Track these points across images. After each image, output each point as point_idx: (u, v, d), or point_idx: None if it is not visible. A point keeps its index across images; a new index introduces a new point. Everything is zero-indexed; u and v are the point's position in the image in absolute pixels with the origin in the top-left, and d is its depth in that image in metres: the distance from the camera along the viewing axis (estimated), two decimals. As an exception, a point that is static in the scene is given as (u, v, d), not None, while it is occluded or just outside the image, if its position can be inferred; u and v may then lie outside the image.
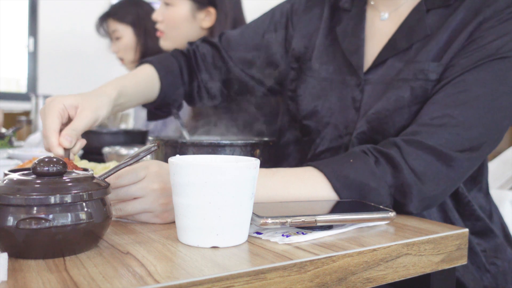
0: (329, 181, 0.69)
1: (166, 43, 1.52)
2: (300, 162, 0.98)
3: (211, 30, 1.44)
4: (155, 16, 1.50)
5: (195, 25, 1.46)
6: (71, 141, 0.69)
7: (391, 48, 0.85)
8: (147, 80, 0.95)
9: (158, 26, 1.51)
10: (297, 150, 1.00)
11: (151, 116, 1.08)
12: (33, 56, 4.01)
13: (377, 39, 0.90)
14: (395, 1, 0.89)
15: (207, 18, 1.44)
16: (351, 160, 0.71)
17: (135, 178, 0.60)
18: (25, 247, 0.45)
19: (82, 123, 0.72)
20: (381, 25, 0.91)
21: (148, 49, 1.95)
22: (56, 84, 3.89)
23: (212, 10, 1.42)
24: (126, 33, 1.93)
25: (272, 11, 1.07)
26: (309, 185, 0.69)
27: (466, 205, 0.85)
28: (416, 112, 0.80)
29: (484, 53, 0.76)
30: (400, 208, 0.71)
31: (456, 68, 0.77)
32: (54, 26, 3.98)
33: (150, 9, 2.00)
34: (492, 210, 0.91)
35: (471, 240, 0.84)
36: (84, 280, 0.40)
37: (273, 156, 0.91)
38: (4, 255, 0.42)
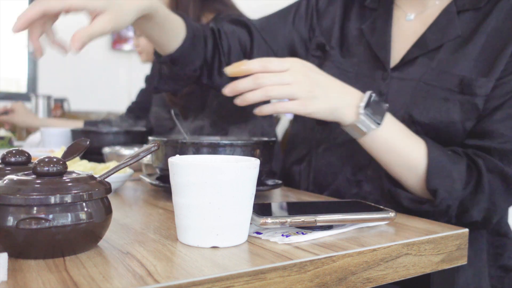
0: (428, 170, 0.75)
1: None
2: (310, 149, 0.98)
3: None
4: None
5: None
6: (83, 43, 0.64)
7: (421, 46, 0.86)
8: (176, 18, 0.87)
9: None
10: (308, 137, 0.99)
11: (160, 83, 0.98)
12: (33, 56, 4.00)
13: (404, 38, 0.91)
14: (422, 3, 0.91)
15: None
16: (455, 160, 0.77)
17: (281, 67, 0.71)
18: (25, 247, 0.45)
19: (99, 27, 0.66)
20: (408, 25, 0.92)
21: None
22: (56, 84, 3.88)
23: None
24: None
25: (298, 3, 1.06)
26: (406, 164, 0.77)
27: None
28: (469, 128, 0.81)
29: None
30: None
31: None
32: (54, 26, 3.98)
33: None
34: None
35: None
36: (84, 280, 0.40)
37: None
38: (4, 255, 0.42)
